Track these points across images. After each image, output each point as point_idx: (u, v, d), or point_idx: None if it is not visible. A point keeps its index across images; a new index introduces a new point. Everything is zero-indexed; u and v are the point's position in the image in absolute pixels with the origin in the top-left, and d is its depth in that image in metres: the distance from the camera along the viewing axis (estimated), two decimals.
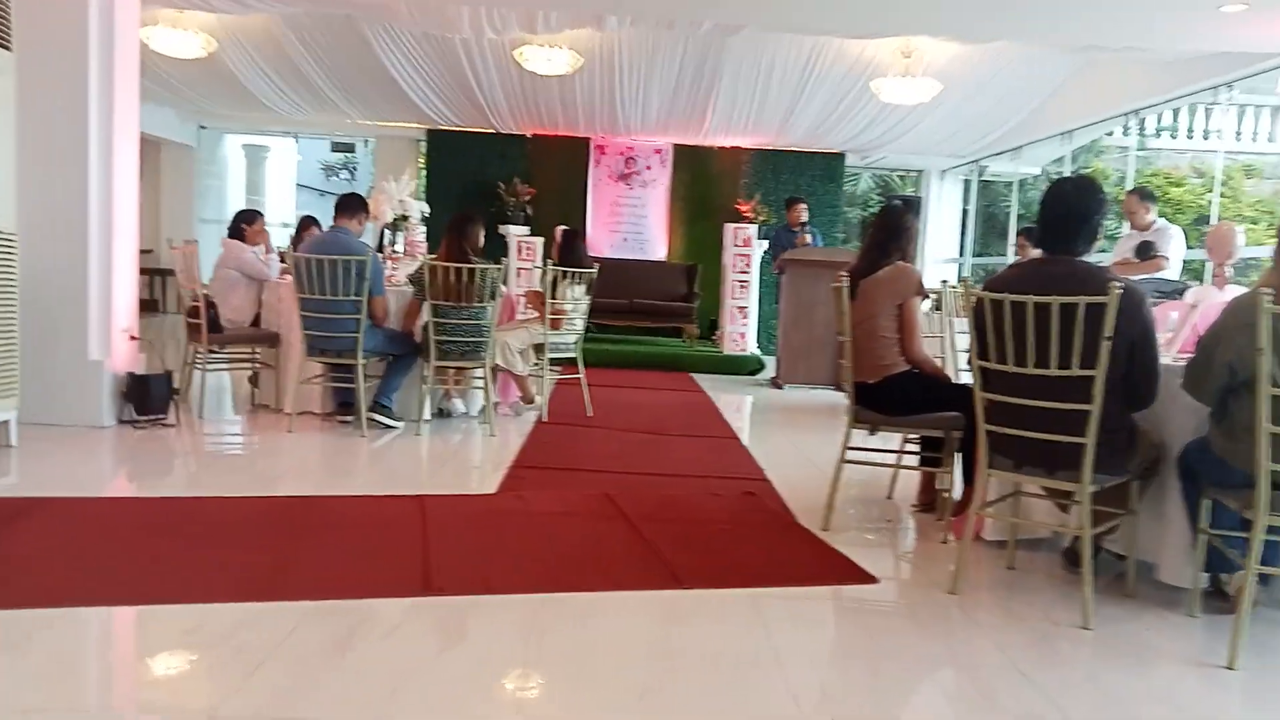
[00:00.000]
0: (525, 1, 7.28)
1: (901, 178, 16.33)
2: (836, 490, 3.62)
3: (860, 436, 3.73)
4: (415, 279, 5.14)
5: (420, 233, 7.00)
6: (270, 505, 3.57)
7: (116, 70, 4.90)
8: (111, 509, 3.49)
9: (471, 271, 4.97)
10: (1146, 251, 5.65)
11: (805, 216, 9.17)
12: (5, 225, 4.28)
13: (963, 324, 3.29)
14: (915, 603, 2.89)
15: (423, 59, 9.32)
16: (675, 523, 3.53)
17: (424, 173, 11.85)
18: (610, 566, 3.00)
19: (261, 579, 2.72)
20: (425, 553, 3.01)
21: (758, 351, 9.60)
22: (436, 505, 3.61)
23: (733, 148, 11.40)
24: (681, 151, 11.43)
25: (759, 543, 3.39)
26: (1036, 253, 3.05)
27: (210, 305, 5.46)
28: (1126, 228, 6.31)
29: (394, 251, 6.60)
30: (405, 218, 6.72)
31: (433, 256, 5.16)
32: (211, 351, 5.53)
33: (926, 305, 4.26)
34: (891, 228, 3.83)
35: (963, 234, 13.22)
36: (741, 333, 9.49)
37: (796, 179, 11.51)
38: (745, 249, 9.36)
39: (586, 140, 11.38)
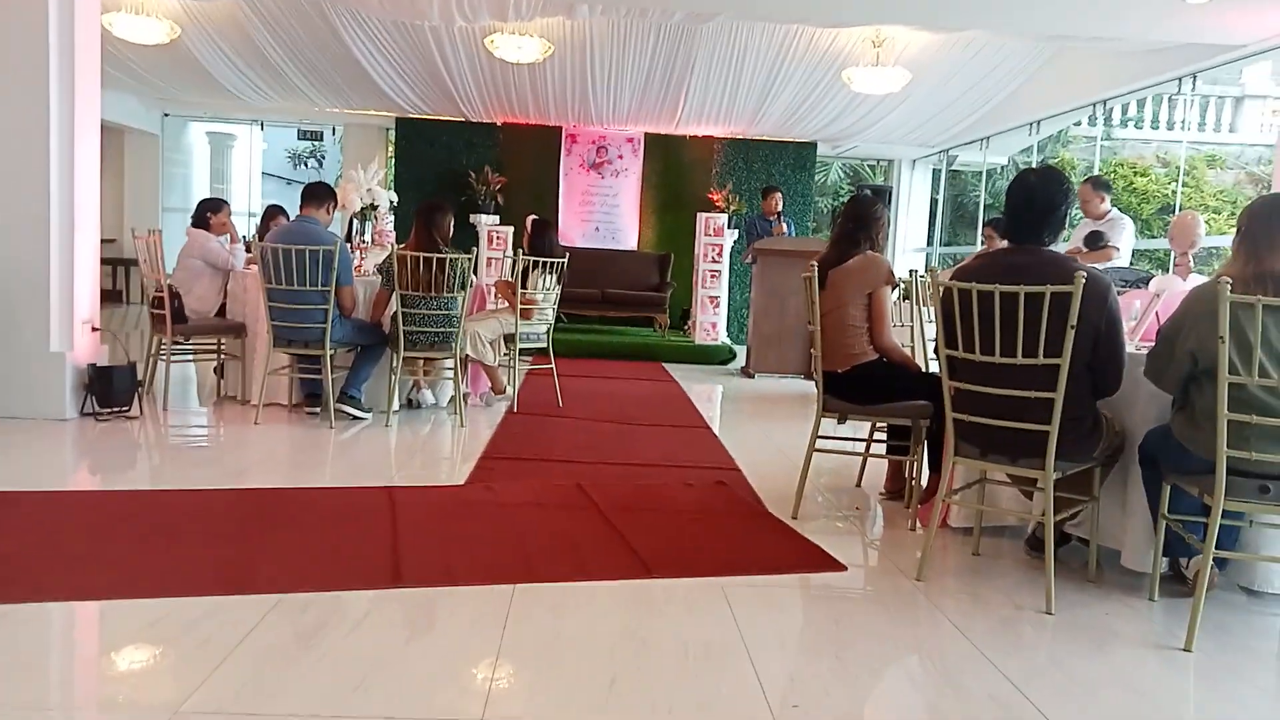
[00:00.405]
0: None
1: (872, 167, 16.44)
2: (806, 478, 3.64)
3: (830, 425, 3.75)
4: (384, 269, 5.09)
5: (389, 222, 6.94)
6: (236, 497, 3.53)
7: (78, 57, 4.80)
8: (73, 502, 3.44)
9: (441, 261, 4.94)
10: (1096, 241, 5.70)
11: (780, 206, 9.21)
12: None
13: (931, 313, 3.32)
14: (883, 590, 2.91)
15: (392, 46, 9.22)
16: (646, 512, 3.54)
17: (393, 161, 11.75)
18: (581, 556, 3.00)
19: (227, 572, 2.70)
20: (394, 544, 2.99)
21: (729, 341, 9.63)
22: (406, 496, 3.59)
23: (705, 137, 11.40)
24: (653, 140, 11.42)
25: (729, 531, 3.41)
26: (1004, 244, 3.08)
27: (175, 295, 5.38)
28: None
29: (362, 241, 6.54)
30: (374, 207, 6.66)
31: (401, 246, 5.11)
32: (176, 342, 5.46)
33: (895, 295, 4.29)
34: (861, 217, 3.85)
35: (931, 223, 13.33)
36: (713, 322, 9.51)
37: (768, 168, 11.54)
38: (717, 238, 9.37)
39: (558, 129, 11.33)
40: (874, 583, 3.03)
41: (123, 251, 11.69)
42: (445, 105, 10.75)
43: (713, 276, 9.49)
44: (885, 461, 4.11)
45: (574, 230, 11.38)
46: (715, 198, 11.15)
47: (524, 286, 5.60)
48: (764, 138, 11.42)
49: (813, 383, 3.93)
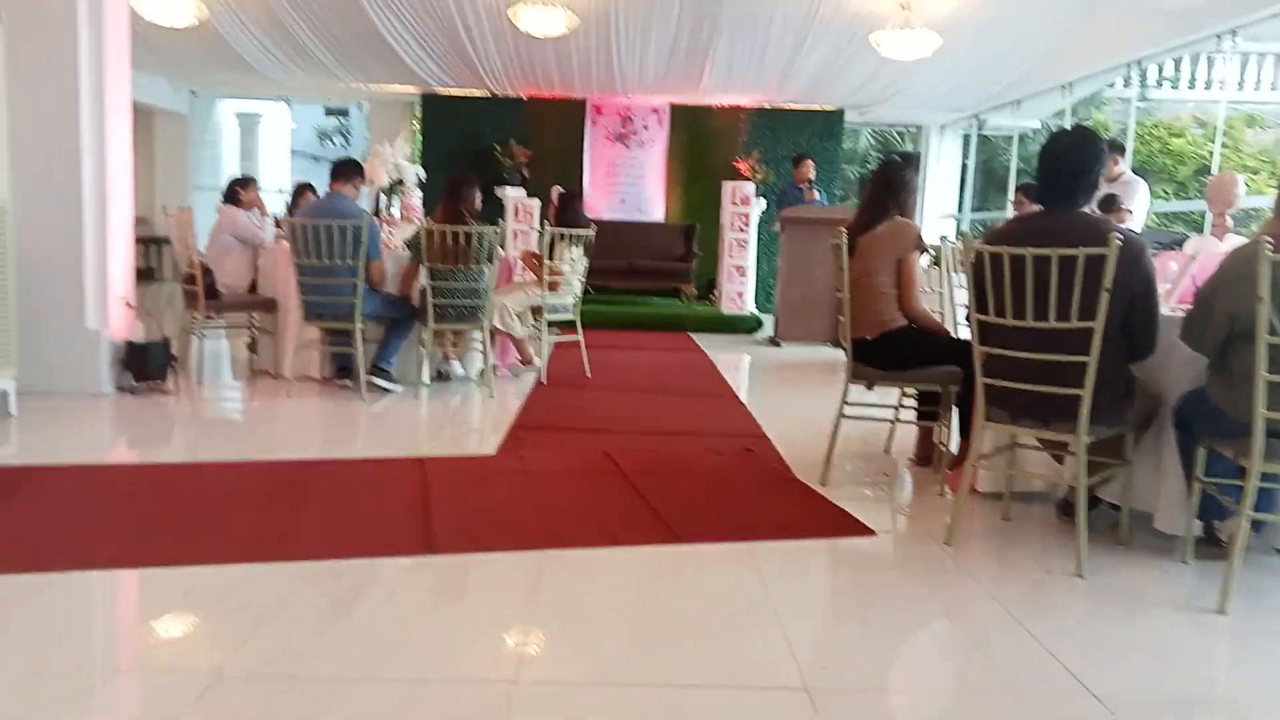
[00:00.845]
0: None
1: (900, 134, 16.20)
2: (834, 445, 3.63)
3: (858, 392, 3.73)
4: (412, 243, 5.12)
5: (416, 197, 6.97)
6: (270, 469, 3.59)
7: (106, 39, 4.84)
8: (111, 475, 3.51)
9: (468, 235, 4.95)
10: (1110, 204, 5.62)
11: (812, 174, 9.12)
12: None
13: (961, 279, 3.28)
14: (911, 554, 2.91)
15: (415, 20, 9.19)
16: (673, 479, 3.55)
17: (419, 136, 11.76)
18: (608, 523, 3.02)
19: (262, 541, 2.75)
20: (426, 513, 3.03)
21: (755, 310, 9.58)
22: (436, 467, 3.63)
23: (730, 106, 11.29)
24: (679, 111, 11.33)
25: (757, 498, 3.41)
26: (1035, 209, 3.03)
27: (206, 272, 5.45)
28: None
29: (390, 215, 6.57)
30: (400, 182, 6.69)
31: (429, 219, 5.13)
32: (209, 318, 5.53)
33: (925, 261, 4.24)
34: (890, 183, 3.80)
35: (961, 189, 13.14)
36: (739, 292, 9.47)
37: (795, 136, 11.42)
38: (743, 208, 9.31)
39: (583, 101, 11.27)
40: (903, 547, 3.02)
41: (155, 230, 11.85)
42: (469, 79, 10.72)
43: (739, 245, 9.44)
44: (914, 428, 4.09)
45: (600, 202, 11.35)
46: (741, 166, 11.05)
47: (550, 258, 5.60)
48: (790, 106, 11.29)
49: (840, 350, 3.91)
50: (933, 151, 12.78)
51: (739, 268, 9.47)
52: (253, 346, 6.00)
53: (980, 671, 2.13)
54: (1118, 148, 6.11)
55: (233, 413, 4.97)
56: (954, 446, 3.73)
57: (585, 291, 6.08)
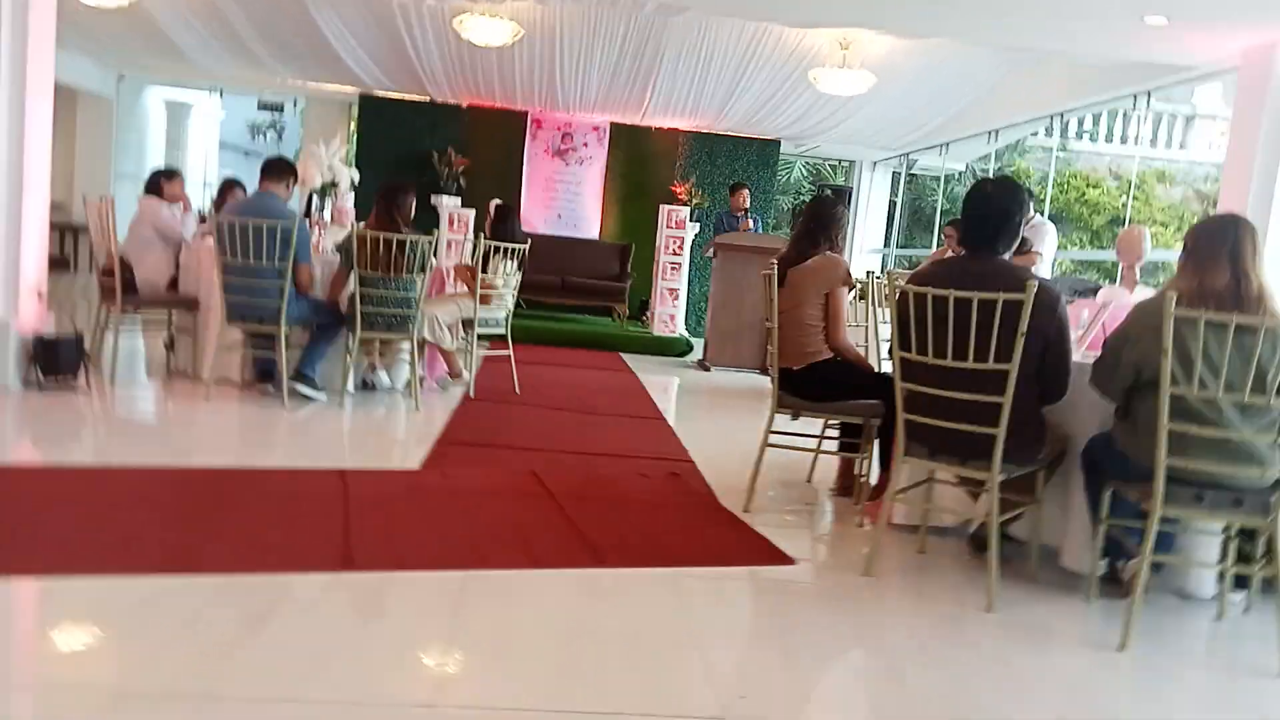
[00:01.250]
0: None
1: (833, 167, 16.56)
2: (759, 473, 3.69)
3: (783, 420, 3.80)
4: (343, 247, 5.03)
5: (349, 200, 6.85)
6: (184, 477, 3.48)
7: (31, 14, 4.66)
8: (12, 477, 3.36)
9: (401, 243, 4.89)
10: (1021, 247, 5.86)
11: (748, 202, 9.26)
12: None
13: (886, 314, 3.38)
14: (830, 585, 2.97)
15: (357, 20, 9.06)
16: (600, 502, 3.56)
17: (355, 137, 11.58)
18: (533, 544, 3.01)
19: (174, 552, 2.66)
20: (346, 528, 2.97)
21: (686, 334, 9.67)
22: (358, 480, 3.57)
23: (670, 130, 11.40)
24: (619, 130, 11.39)
25: (681, 523, 3.44)
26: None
27: (125, 266, 5.26)
28: None
29: (321, 218, 6.45)
30: (334, 184, 6.57)
31: (362, 225, 5.05)
32: (125, 312, 5.33)
33: (851, 295, 4.35)
34: (822, 217, 3.90)
35: (889, 224, 13.51)
36: (672, 314, 9.55)
37: (732, 164, 11.59)
38: (679, 231, 9.40)
39: (524, 114, 11.25)
40: (822, 577, 3.08)
41: (71, 217, 11.37)
42: (410, 83, 10.60)
43: (673, 269, 9.52)
44: (835, 459, 4.17)
45: (536, 216, 11.32)
46: (678, 190, 11.17)
47: (484, 271, 5.57)
48: (729, 133, 11.46)
49: (768, 377, 3.98)
50: (864, 187, 13.11)
51: (672, 290, 9.55)
52: (170, 345, 5.81)
53: (895, 703, 2.19)
54: (1029, 194, 6.38)
55: (147, 415, 4.80)
56: (874, 478, 3.82)
57: (517, 305, 6.05)
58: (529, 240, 6.02)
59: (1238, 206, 6.01)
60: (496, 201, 6.85)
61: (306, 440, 4.35)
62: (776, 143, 11.75)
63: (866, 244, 12.91)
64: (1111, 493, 2.83)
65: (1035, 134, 13.34)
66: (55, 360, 4.73)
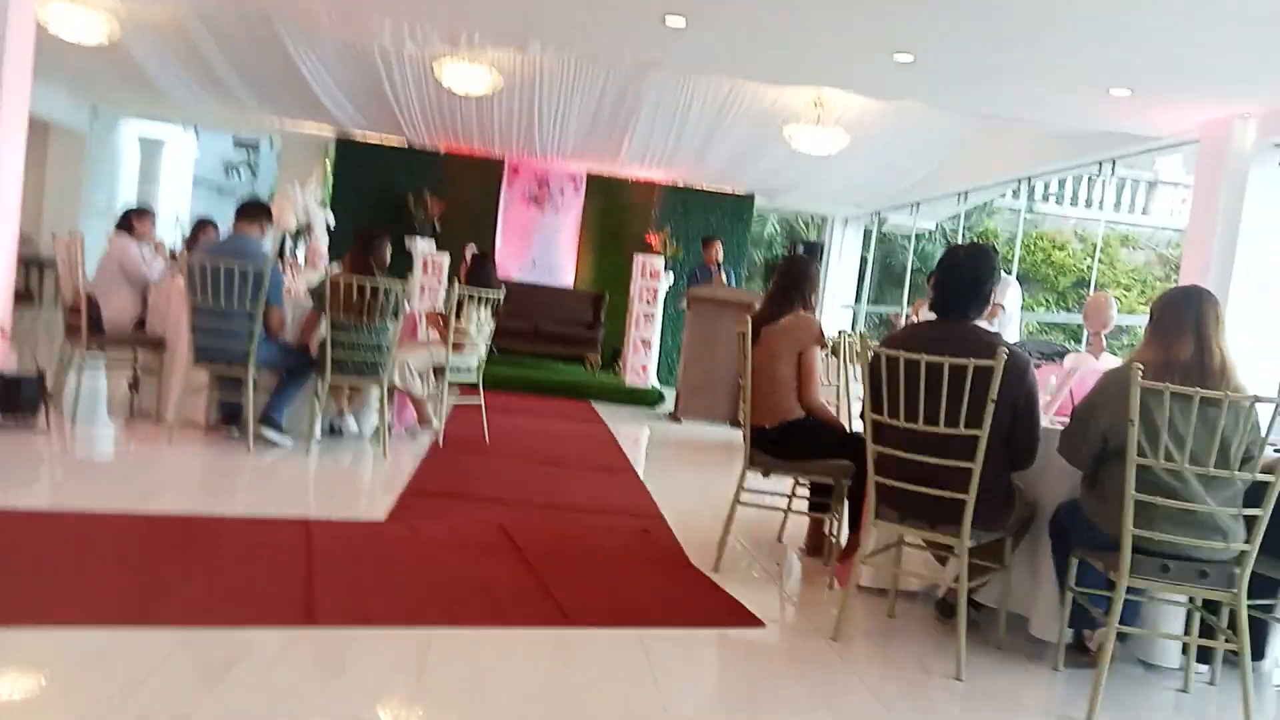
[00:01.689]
0: (449, 20, 7.23)
1: (806, 222, 16.81)
2: (729, 531, 3.67)
3: (754, 478, 3.80)
4: (317, 291, 5.00)
5: (323, 242, 6.83)
6: (144, 523, 3.40)
7: (8, 48, 4.65)
8: None
9: (375, 289, 4.87)
10: None
11: (720, 255, 9.35)
12: None
13: (857, 372, 3.40)
14: (798, 648, 2.95)
15: (337, 62, 9.11)
16: (568, 558, 3.52)
17: (330, 179, 11.58)
18: (500, 602, 2.96)
19: (131, 602, 2.59)
20: (309, 580, 2.91)
21: (658, 384, 9.67)
22: (323, 530, 3.50)
23: (646, 182, 11.53)
24: (595, 180, 11.50)
25: (650, 582, 3.41)
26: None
27: (92, 304, 5.19)
28: None
29: (294, 260, 6.41)
30: (309, 227, 6.56)
31: (336, 268, 5.02)
32: (89, 350, 5.24)
33: (824, 354, 4.39)
34: (795, 276, 3.95)
35: (860, 281, 13.70)
36: (644, 364, 9.56)
37: (706, 216, 11.72)
38: (653, 281, 9.45)
39: (501, 161, 11.33)
40: (790, 640, 3.06)
41: (39, 250, 11.22)
42: (388, 125, 10.65)
43: (646, 319, 9.55)
44: (805, 519, 4.17)
45: (511, 263, 11.35)
46: (653, 240, 11.26)
47: (458, 318, 5.55)
48: (703, 186, 11.61)
49: (739, 431, 3.98)
50: (835, 242, 13.31)
51: (645, 340, 9.58)
52: (134, 385, 5.71)
53: None
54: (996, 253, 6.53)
55: (107, 457, 4.70)
56: (844, 538, 3.82)
57: (490, 352, 6.03)
58: (504, 288, 6.02)
59: (1200, 272, 6.17)
60: (474, 248, 6.87)
61: (271, 486, 4.27)
62: (750, 197, 11.92)
63: (838, 299, 13.07)
64: (1079, 561, 2.85)
65: (1004, 195, 13.67)
66: (15, 399, 4.63)
